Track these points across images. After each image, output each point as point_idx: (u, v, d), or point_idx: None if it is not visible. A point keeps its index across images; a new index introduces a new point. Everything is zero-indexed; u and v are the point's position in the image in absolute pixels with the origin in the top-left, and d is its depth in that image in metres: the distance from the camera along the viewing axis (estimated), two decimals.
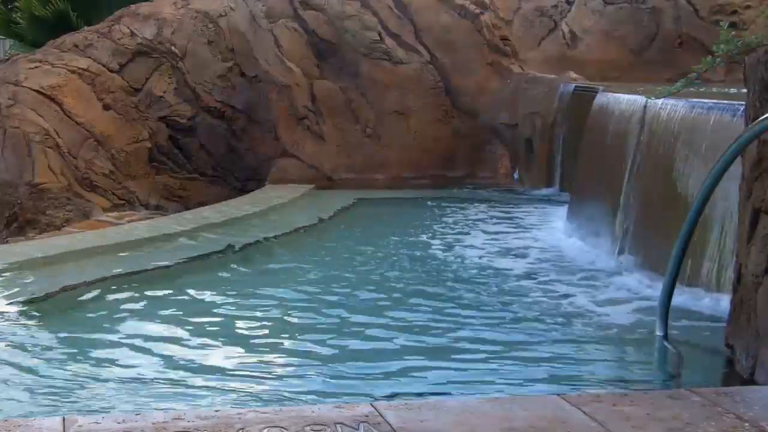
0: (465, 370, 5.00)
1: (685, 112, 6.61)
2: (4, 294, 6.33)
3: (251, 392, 4.65)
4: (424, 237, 8.41)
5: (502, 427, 2.88)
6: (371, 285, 6.78)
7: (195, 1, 11.63)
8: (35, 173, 10.32)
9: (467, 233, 8.55)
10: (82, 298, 6.33)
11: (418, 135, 11.25)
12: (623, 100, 7.78)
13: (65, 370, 4.94)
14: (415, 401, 3.18)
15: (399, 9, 11.46)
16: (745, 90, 4.90)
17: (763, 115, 4.29)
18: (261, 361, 5.14)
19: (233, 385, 4.75)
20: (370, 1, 11.43)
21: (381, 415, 2.94)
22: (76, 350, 5.27)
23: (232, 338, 5.55)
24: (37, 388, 4.65)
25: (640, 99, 7.37)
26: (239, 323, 5.84)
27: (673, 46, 12.54)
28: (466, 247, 7.97)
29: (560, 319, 5.85)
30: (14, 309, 6.02)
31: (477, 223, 9.02)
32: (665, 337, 5.09)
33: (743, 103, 5.01)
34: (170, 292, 6.55)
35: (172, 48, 11.23)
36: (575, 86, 10.06)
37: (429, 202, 10.01)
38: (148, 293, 6.49)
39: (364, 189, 10.70)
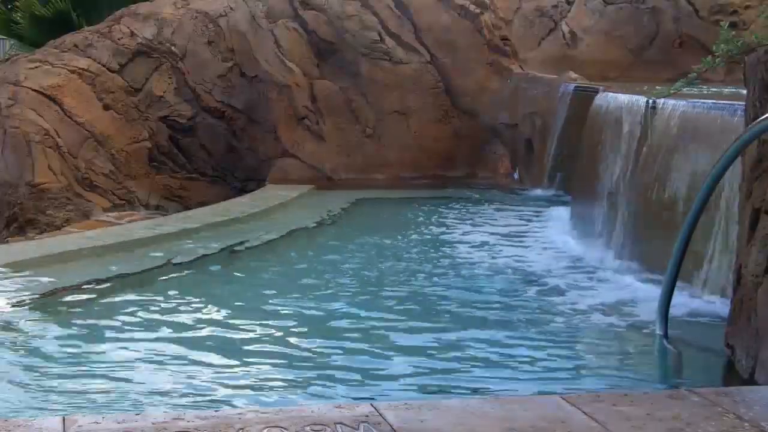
0: (465, 370, 5.00)
1: (685, 111, 6.61)
2: (4, 294, 6.32)
3: (251, 392, 4.65)
4: (423, 237, 8.41)
5: (502, 428, 2.88)
6: (372, 285, 6.79)
7: (195, 1, 11.62)
8: (35, 173, 10.32)
9: (467, 233, 8.55)
10: (81, 298, 6.34)
11: (418, 135, 11.24)
12: (623, 100, 7.78)
13: (65, 369, 4.94)
14: (415, 401, 3.18)
15: (399, 9, 11.45)
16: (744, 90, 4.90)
17: (763, 115, 4.29)
18: (261, 361, 5.14)
19: (233, 384, 4.75)
20: (370, 1, 11.43)
21: (381, 415, 2.94)
22: (76, 350, 5.27)
23: (232, 338, 5.55)
24: (37, 388, 4.65)
25: (641, 99, 7.36)
26: (238, 323, 5.83)
27: (673, 46, 12.55)
28: (465, 247, 7.97)
29: (561, 319, 5.86)
30: (14, 309, 6.02)
31: (476, 223, 9.02)
32: (665, 336, 5.09)
33: (743, 103, 5.01)
34: (170, 292, 6.54)
35: (172, 48, 11.23)
36: (575, 86, 10.05)
37: (429, 202, 10.00)
38: (148, 293, 6.49)
39: (364, 189, 10.69)
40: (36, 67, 10.92)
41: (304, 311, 6.10)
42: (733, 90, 8.05)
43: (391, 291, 6.60)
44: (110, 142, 10.82)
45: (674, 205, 6.46)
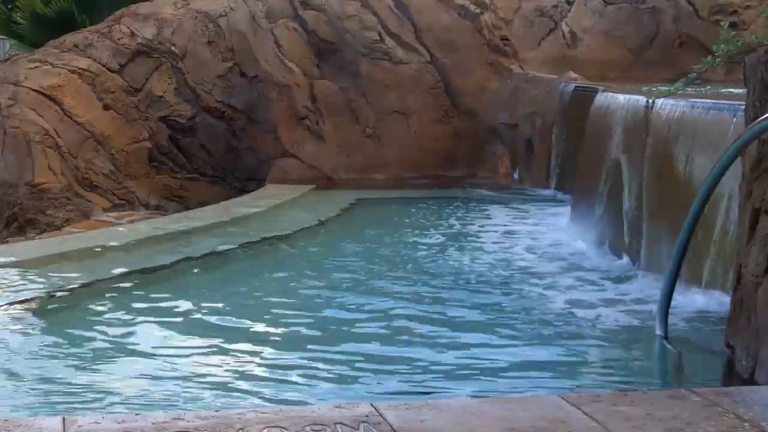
0: (465, 370, 5.00)
1: (685, 112, 6.61)
2: (5, 294, 6.33)
3: (251, 392, 4.65)
4: (424, 237, 8.40)
5: (502, 428, 2.88)
6: (371, 285, 6.78)
7: (195, 1, 11.63)
8: (35, 173, 10.32)
9: (467, 233, 8.55)
10: (82, 298, 6.34)
11: (418, 135, 11.24)
12: (623, 100, 7.77)
13: (65, 369, 4.94)
14: (415, 401, 3.18)
15: (399, 9, 11.46)
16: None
17: (763, 115, 4.29)
18: (261, 361, 5.15)
19: (233, 385, 4.76)
20: (370, 1, 11.43)
21: (381, 415, 2.94)
22: (76, 350, 5.27)
23: (232, 338, 5.54)
24: (37, 388, 4.65)
25: (641, 99, 7.37)
26: (239, 323, 5.84)
27: (673, 46, 12.55)
28: (466, 247, 7.97)
29: (560, 319, 5.85)
30: (14, 309, 6.02)
31: (477, 223, 9.02)
32: (665, 337, 5.09)
33: (743, 103, 5.00)
34: (170, 292, 6.55)
35: (172, 48, 11.23)
36: (575, 86, 10.05)
37: (429, 203, 10.00)
38: (148, 293, 6.49)
39: (364, 189, 10.69)
40: (36, 67, 10.93)
41: (303, 311, 6.10)
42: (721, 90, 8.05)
43: (392, 291, 6.60)
44: (110, 142, 10.82)
45: (675, 204, 6.45)
